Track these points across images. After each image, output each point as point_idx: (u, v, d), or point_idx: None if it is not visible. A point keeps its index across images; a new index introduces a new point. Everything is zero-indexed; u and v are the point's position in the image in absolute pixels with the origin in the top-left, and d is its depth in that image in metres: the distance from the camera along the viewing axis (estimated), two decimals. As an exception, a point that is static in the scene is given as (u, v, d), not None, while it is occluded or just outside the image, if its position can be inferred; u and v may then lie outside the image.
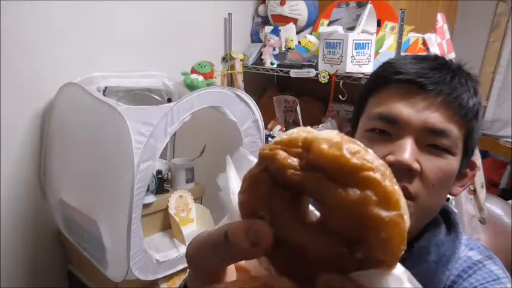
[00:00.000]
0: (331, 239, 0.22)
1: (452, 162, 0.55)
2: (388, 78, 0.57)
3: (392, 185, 0.22)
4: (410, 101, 0.54)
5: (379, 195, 0.22)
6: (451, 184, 0.58)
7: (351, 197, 0.22)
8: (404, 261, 0.23)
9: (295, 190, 0.24)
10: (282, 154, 0.24)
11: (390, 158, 0.53)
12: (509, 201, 1.95)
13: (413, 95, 0.54)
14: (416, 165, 0.53)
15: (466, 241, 0.64)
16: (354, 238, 0.22)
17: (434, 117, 0.53)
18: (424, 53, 1.55)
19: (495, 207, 1.81)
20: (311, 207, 0.26)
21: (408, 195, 0.52)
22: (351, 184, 0.22)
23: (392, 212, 0.22)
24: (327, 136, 0.24)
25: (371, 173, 0.22)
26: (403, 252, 0.22)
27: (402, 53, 1.51)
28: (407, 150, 0.52)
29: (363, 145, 0.24)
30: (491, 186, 2.30)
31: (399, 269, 0.22)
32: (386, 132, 0.56)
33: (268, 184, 0.24)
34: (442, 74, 0.54)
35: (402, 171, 0.52)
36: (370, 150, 0.24)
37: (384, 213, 0.21)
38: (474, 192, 1.70)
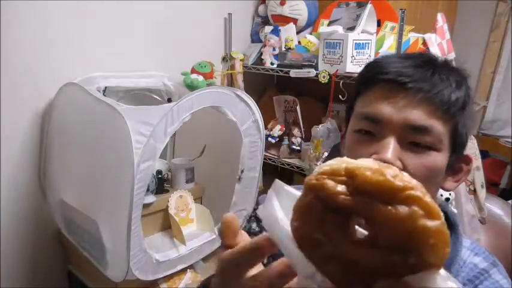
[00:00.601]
0: (383, 251, 0.26)
1: (437, 159, 0.55)
2: (371, 78, 0.59)
3: (430, 199, 0.27)
4: (392, 100, 0.55)
5: (424, 209, 0.26)
6: (438, 180, 0.58)
7: (401, 213, 0.25)
8: None
9: (345, 213, 0.28)
10: (330, 183, 0.28)
11: (373, 157, 0.53)
12: (509, 201, 1.95)
13: (394, 94, 0.55)
14: (398, 163, 0.53)
15: (471, 245, 0.64)
16: (404, 247, 0.25)
17: (415, 115, 0.54)
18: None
19: (495, 207, 1.81)
20: (356, 226, 0.29)
21: None
22: (398, 202, 0.26)
23: (436, 221, 0.26)
24: (366, 164, 0.28)
25: (413, 192, 0.26)
26: (449, 255, 0.26)
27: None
28: (389, 149, 0.53)
29: (397, 168, 0.28)
30: (491, 186, 2.30)
31: (442, 270, 0.26)
32: (372, 132, 0.57)
33: (320, 210, 0.28)
34: (422, 71, 0.55)
35: None
36: (404, 173, 0.28)
37: (430, 224, 0.26)
38: (474, 192, 1.70)
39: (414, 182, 0.27)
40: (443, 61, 0.59)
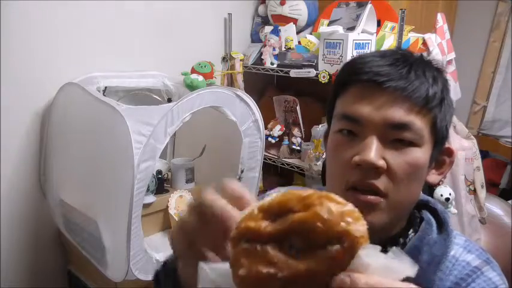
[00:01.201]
0: (323, 251, 0.27)
1: (419, 155, 0.56)
2: (348, 79, 0.59)
3: (333, 194, 0.29)
4: (370, 99, 0.56)
5: (332, 200, 0.29)
6: (422, 176, 0.59)
7: (314, 211, 0.28)
8: None
9: (278, 241, 0.29)
10: (252, 223, 0.29)
11: (356, 158, 0.54)
12: (509, 201, 1.95)
13: (372, 93, 0.56)
14: (381, 163, 0.54)
15: (464, 243, 0.64)
16: (337, 237, 0.27)
17: (393, 112, 0.54)
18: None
19: (495, 207, 1.81)
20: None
21: (378, 192, 0.54)
22: (310, 206, 0.28)
23: (345, 205, 0.28)
24: (272, 196, 0.30)
25: (320, 193, 0.29)
26: (366, 224, 0.29)
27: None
28: (370, 149, 0.53)
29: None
30: (491, 186, 2.30)
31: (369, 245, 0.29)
32: (353, 132, 0.57)
33: (257, 249, 0.29)
34: (397, 69, 0.55)
35: (369, 170, 0.54)
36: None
37: (342, 208, 0.28)
38: (474, 192, 1.70)
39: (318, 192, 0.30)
40: (418, 57, 0.59)
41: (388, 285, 0.28)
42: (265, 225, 0.29)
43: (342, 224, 0.27)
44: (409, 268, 0.28)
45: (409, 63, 0.56)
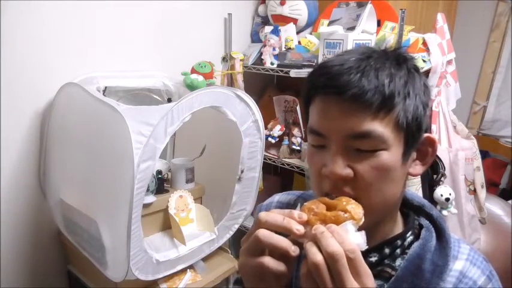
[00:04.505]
0: (335, 212, 0.52)
1: (386, 157, 0.55)
2: (309, 93, 0.61)
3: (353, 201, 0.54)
4: (329, 111, 0.57)
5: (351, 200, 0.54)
6: (395, 176, 0.57)
7: (342, 202, 0.54)
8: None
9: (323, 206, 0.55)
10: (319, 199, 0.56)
11: (323, 171, 0.57)
12: (509, 201, 1.95)
13: (330, 105, 0.56)
14: (347, 172, 0.56)
15: (469, 252, 0.63)
16: (343, 210, 0.51)
17: (350, 123, 0.55)
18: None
19: (495, 207, 1.81)
20: None
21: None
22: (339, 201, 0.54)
23: (355, 203, 0.53)
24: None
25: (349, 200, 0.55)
26: (363, 215, 0.52)
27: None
28: (335, 161, 0.56)
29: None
30: (491, 186, 2.30)
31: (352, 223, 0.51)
32: (322, 145, 0.59)
33: (311, 206, 0.54)
34: (350, 77, 0.54)
35: (338, 181, 0.56)
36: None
37: (353, 202, 0.53)
38: (474, 192, 1.70)
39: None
40: (376, 55, 0.57)
41: (350, 242, 0.46)
42: (324, 199, 0.54)
43: (351, 208, 0.51)
44: (364, 245, 0.48)
45: (362, 68, 0.55)
